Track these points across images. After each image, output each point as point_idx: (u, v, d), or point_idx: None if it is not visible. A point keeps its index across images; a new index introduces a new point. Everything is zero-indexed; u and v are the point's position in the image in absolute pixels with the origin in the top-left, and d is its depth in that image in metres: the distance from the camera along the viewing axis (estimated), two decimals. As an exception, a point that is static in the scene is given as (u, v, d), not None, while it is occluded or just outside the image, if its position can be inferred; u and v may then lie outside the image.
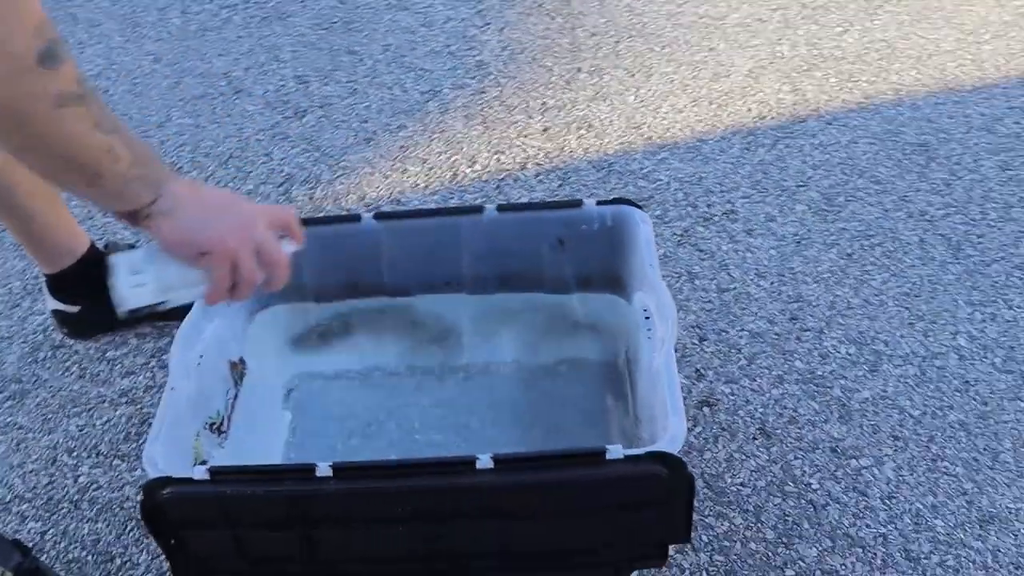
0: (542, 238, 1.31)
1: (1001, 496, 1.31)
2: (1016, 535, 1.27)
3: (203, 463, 1.16)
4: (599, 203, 1.29)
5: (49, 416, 1.51)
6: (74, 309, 1.59)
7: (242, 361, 1.28)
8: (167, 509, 0.99)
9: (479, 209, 1.29)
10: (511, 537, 1.04)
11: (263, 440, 1.25)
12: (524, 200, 1.83)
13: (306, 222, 1.30)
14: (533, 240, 1.31)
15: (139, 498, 1.28)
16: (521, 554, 1.07)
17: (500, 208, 1.29)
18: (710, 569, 1.25)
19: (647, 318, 1.17)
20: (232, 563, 1.07)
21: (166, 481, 0.99)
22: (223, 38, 2.47)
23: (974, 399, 1.44)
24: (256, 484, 0.99)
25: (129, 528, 1.35)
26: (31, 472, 1.44)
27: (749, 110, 2.05)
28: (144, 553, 1.32)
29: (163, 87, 2.28)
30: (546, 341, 1.35)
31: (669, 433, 0.99)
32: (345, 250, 1.32)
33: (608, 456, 0.97)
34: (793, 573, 1.25)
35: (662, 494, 1.00)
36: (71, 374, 1.58)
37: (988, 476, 1.34)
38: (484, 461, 0.97)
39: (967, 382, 1.47)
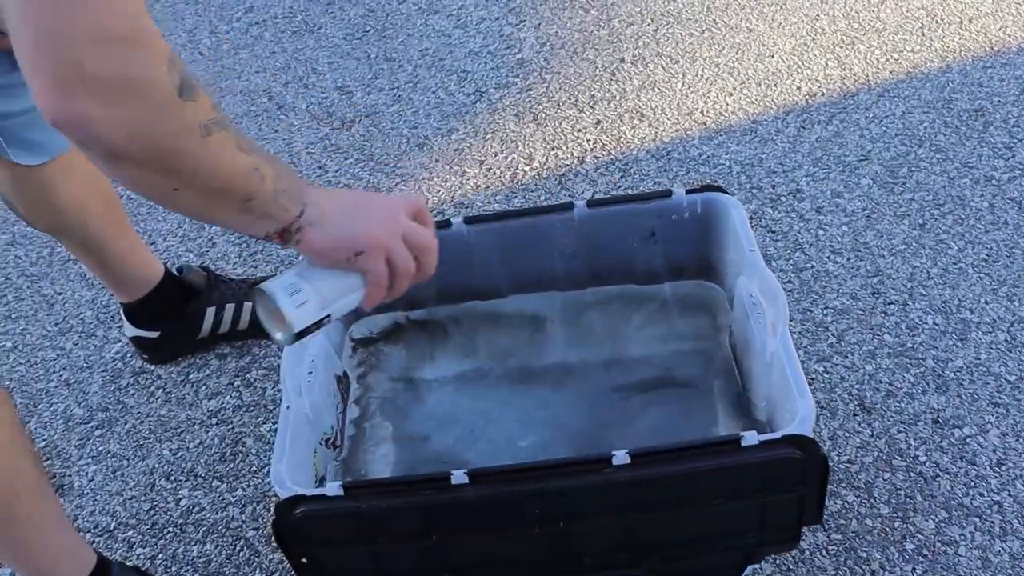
0: (634, 230, 1.31)
1: (1114, 456, 1.31)
2: None
3: (322, 479, 1.16)
4: (689, 192, 1.28)
5: (141, 442, 1.51)
6: (154, 334, 1.59)
7: (346, 375, 1.28)
8: (301, 527, 0.99)
9: (569, 206, 1.29)
10: (646, 529, 1.04)
11: (370, 452, 1.25)
12: (589, 194, 1.82)
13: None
14: (624, 233, 1.31)
15: (271, 518, 1.28)
16: (654, 545, 1.06)
17: (590, 203, 1.29)
18: (829, 548, 1.25)
19: (754, 303, 1.16)
20: (365, 577, 1.07)
21: (299, 499, 0.98)
22: (256, 55, 2.46)
23: (1071, 361, 1.44)
24: (392, 497, 0.99)
25: (238, 548, 1.35)
26: (131, 499, 1.43)
27: (799, 88, 2.05)
28: (257, 572, 1.32)
29: (204, 107, 2.27)
30: (641, 333, 1.34)
31: (800, 415, 0.99)
32: (437, 257, 1.31)
33: (744, 443, 0.97)
34: (913, 546, 1.24)
35: (798, 477, 0.99)
36: (157, 399, 1.58)
37: (1098, 437, 1.34)
38: (620, 457, 0.97)
39: (1059, 344, 1.47)
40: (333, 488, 0.98)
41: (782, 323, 1.09)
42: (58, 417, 1.57)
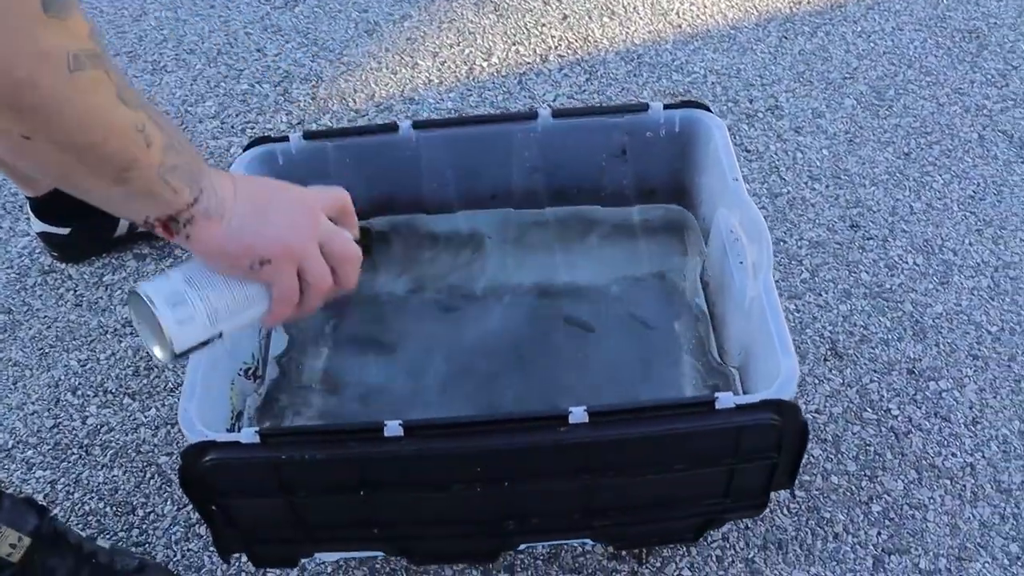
0: (602, 147, 1.17)
1: (1100, 420, 1.23)
2: (1116, 462, 1.19)
3: (239, 415, 1.03)
4: (666, 107, 1.15)
5: (47, 350, 1.37)
6: (64, 231, 1.43)
7: (272, 294, 1.14)
8: (210, 477, 0.87)
9: (532, 115, 1.14)
10: (601, 493, 0.93)
11: (293, 390, 1.11)
12: (551, 96, 1.67)
13: (335, 133, 1.17)
14: (592, 149, 1.17)
15: (177, 464, 1.17)
16: (609, 509, 0.96)
17: (556, 113, 1.14)
18: (792, 506, 1.16)
19: (735, 240, 1.04)
20: (283, 530, 0.95)
21: (208, 446, 0.86)
22: (195, -82, 2.24)
23: (1058, 313, 1.35)
24: (316, 447, 0.86)
25: (149, 475, 1.22)
26: (33, 414, 1.30)
27: (784, -6, 1.90)
28: (168, 503, 1.20)
29: (134, -26, 2.07)
30: (603, 260, 1.22)
31: (781, 376, 0.88)
32: (380, 163, 1.17)
33: (718, 406, 0.86)
34: (880, 508, 1.16)
35: (774, 444, 0.89)
36: (66, 302, 1.43)
37: (1084, 398, 1.25)
38: (577, 415, 0.85)
39: (1046, 293, 1.37)
40: (248, 435, 0.85)
41: (765, 266, 0.96)
42: (-48, 317, 1.42)
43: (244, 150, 1.14)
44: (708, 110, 1.14)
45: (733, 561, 1.11)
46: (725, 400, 0.86)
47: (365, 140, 1.15)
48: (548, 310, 1.18)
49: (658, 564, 1.11)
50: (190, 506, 1.19)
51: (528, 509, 0.94)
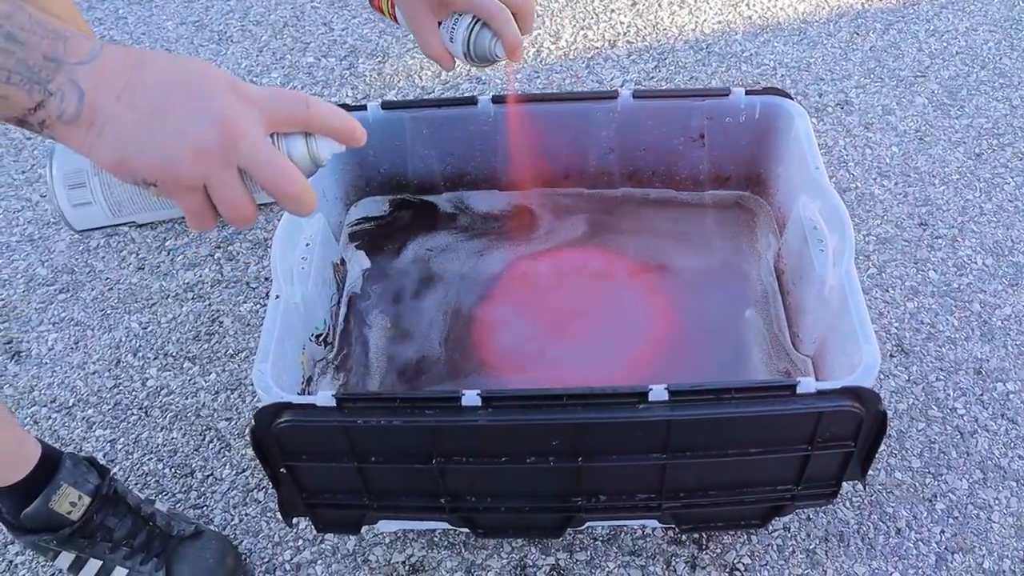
0: (680, 130, 1.16)
1: None
2: None
3: (308, 380, 1.03)
4: (748, 92, 1.13)
5: (108, 311, 1.37)
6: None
7: (343, 262, 1.14)
8: (283, 439, 0.87)
9: (613, 95, 1.14)
10: (673, 473, 0.92)
11: (357, 355, 1.11)
12: (619, 82, 1.66)
13: (413, 104, 1.16)
14: (670, 132, 1.16)
15: (246, 410, 1.17)
16: (679, 490, 0.95)
17: (637, 95, 1.13)
18: (854, 499, 1.14)
19: (814, 228, 1.03)
20: (350, 496, 0.95)
21: (283, 407, 0.86)
22: None
23: None
24: (392, 414, 0.86)
25: (208, 439, 1.22)
26: (94, 374, 1.30)
27: (855, -11, 1.87)
28: (227, 467, 1.20)
29: (201, -55, 2.08)
30: (673, 244, 1.21)
31: (863, 363, 0.87)
32: (456, 136, 1.17)
33: (799, 390, 0.85)
34: (944, 506, 1.14)
35: (852, 431, 0.88)
36: (128, 265, 1.43)
37: None
38: (658, 392, 0.84)
39: (1119, 300, 1.35)
40: (324, 398, 0.85)
41: (847, 255, 0.95)
42: (18, 275, 1.42)
43: (321, 117, 1.13)
44: (790, 98, 1.13)
45: (794, 551, 1.10)
46: (806, 385, 0.85)
47: (443, 112, 1.15)
48: (616, 290, 1.17)
49: (718, 550, 1.10)
50: (248, 471, 1.19)
51: (599, 486, 0.94)
